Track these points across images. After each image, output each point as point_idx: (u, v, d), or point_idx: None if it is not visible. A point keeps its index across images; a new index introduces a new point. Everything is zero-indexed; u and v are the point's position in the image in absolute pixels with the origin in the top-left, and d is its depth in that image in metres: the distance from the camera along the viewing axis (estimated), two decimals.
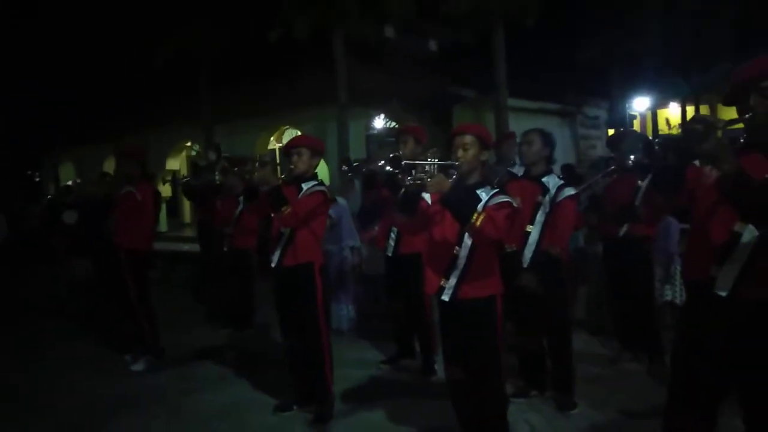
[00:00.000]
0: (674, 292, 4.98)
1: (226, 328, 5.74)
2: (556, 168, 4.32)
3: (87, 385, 4.42)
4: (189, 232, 16.05)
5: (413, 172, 2.69)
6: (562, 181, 3.65)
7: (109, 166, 19.72)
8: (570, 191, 3.59)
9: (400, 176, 2.75)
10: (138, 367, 4.74)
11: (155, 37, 13.97)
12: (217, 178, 5.78)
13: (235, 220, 5.52)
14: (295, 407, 3.72)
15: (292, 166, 3.69)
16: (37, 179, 23.40)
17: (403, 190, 2.79)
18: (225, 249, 5.70)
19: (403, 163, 2.77)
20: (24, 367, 4.98)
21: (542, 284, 3.47)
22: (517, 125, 8.21)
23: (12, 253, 9.85)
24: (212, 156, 6.23)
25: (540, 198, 3.56)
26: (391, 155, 2.87)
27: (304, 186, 3.64)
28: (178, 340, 5.30)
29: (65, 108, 19.22)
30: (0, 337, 6.08)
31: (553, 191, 3.55)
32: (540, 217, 3.55)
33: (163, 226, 16.05)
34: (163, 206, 12.77)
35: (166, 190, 12.81)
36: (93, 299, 7.21)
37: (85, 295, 7.75)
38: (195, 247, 10.28)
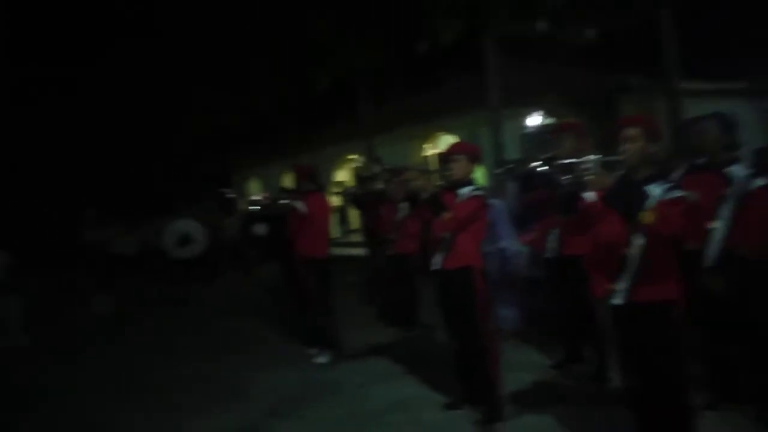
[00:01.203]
0: None
1: (393, 326, 6.08)
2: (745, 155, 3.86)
3: (277, 376, 5.03)
4: (357, 238, 17.12)
5: (573, 170, 2.66)
6: (752, 170, 3.28)
7: (287, 180, 21.88)
8: (763, 181, 3.22)
9: (557, 176, 2.73)
10: (321, 359, 5.25)
11: (315, 67, 15.24)
12: (379, 187, 6.19)
13: (397, 225, 5.85)
14: (465, 406, 3.84)
15: (449, 173, 3.84)
16: (229, 196, 26.74)
17: (562, 189, 2.76)
18: (388, 253, 6.07)
19: (559, 162, 2.75)
20: (224, 360, 5.78)
21: (732, 286, 3.15)
22: (695, 111, 7.42)
23: (212, 262, 11.43)
24: (376, 168, 6.66)
25: (725, 190, 3.25)
26: (546, 155, 2.87)
27: (462, 192, 3.76)
28: (353, 337, 5.74)
29: (250, 133, 21.76)
30: (202, 336, 7.12)
31: (740, 182, 3.22)
32: (725, 211, 3.24)
33: (334, 232, 17.39)
34: (335, 215, 13.84)
35: (335, 200, 13.82)
36: (281, 300, 8.13)
37: (274, 297, 8.76)
38: (363, 252, 11.01)
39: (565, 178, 2.66)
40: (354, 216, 19.49)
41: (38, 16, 22.60)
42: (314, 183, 5.65)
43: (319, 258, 5.34)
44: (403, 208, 5.84)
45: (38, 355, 6.74)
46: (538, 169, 3.40)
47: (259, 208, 7.41)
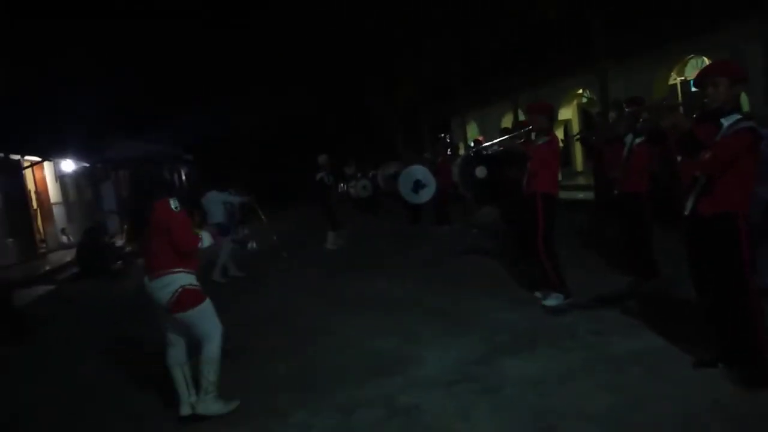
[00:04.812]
0: None
1: (631, 275, 5.64)
2: None
3: (505, 316, 5.09)
4: (582, 180, 16.13)
5: None
6: None
7: (507, 121, 21.43)
8: None
9: None
10: (550, 302, 5.17)
11: None
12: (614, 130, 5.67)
13: (624, 162, 5.32)
14: (720, 365, 3.43)
15: (707, 100, 3.30)
16: (448, 140, 27.35)
17: None
18: (615, 193, 5.56)
19: None
20: (454, 296, 6.05)
21: None
22: None
23: (434, 204, 11.96)
24: (613, 115, 6.10)
25: None
26: None
27: (725, 122, 3.21)
28: (583, 283, 5.50)
29: (470, 76, 21.69)
30: (433, 271, 7.56)
31: None
32: None
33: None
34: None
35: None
36: (498, 241, 8.18)
37: (491, 238, 8.86)
38: (589, 195, 10.38)
39: None
40: (579, 157, 18.37)
41: None
42: (551, 120, 5.51)
43: (553, 195, 5.24)
44: (629, 141, 5.30)
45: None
46: None
47: (483, 149, 7.40)
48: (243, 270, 8.87)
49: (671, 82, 14.83)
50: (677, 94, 14.31)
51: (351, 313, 5.93)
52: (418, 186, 11.35)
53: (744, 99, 10.93)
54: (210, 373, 3.67)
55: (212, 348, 3.66)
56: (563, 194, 11.69)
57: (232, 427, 3.61)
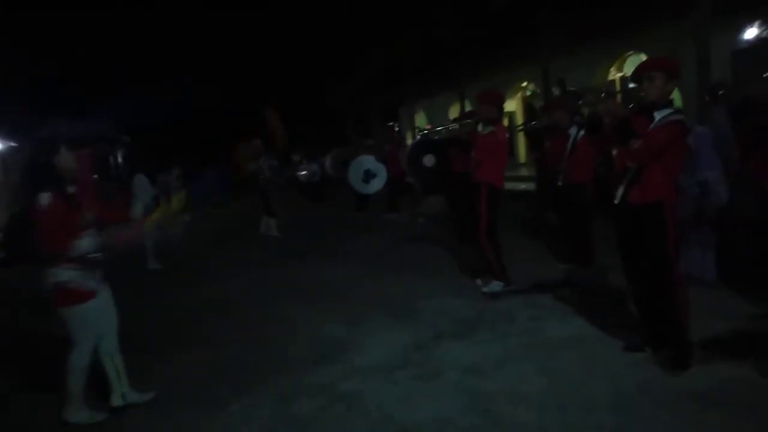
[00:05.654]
0: None
1: (566, 263, 5.83)
2: None
3: (446, 302, 5.18)
4: (525, 172, 16.54)
5: None
6: None
7: (454, 111, 21.66)
8: None
9: None
10: (490, 289, 5.27)
11: None
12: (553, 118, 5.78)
13: (568, 154, 5.47)
14: (646, 348, 3.60)
15: (643, 94, 3.41)
16: (397, 128, 27.42)
17: None
18: (559, 184, 5.72)
19: None
20: (396, 283, 6.09)
21: None
22: None
23: (385, 192, 11.95)
24: (556, 91, 6.22)
25: None
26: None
27: (657, 115, 3.34)
28: (522, 272, 5.64)
29: (413, 66, 21.77)
30: (379, 260, 7.57)
31: None
32: None
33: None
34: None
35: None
36: (447, 231, 8.28)
37: (441, 227, 8.96)
38: (531, 186, 10.64)
39: None
40: (521, 148, 18.84)
41: None
42: (500, 111, 5.49)
43: (498, 186, 5.26)
44: (573, 133, 5.45)
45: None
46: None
47: (429, 136, 7.40)
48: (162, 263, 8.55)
49: (611, 77, 15.37)
50: (616, 87, 14.86)
51: (294, 300, 5.87)
52: (368, 176, 11.31)
53: (677, 95, 11.46)
54: (69, 383, 3.45)
55: (73, 356, 3.43)
56: (507, 185, 12.03)
57: (168, 416, 3.51)
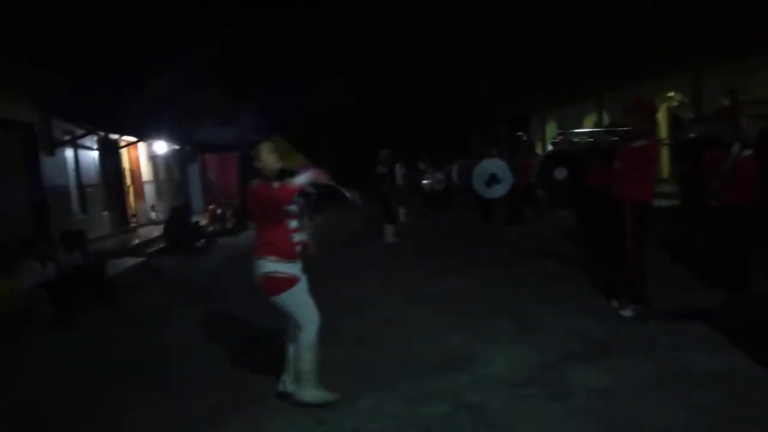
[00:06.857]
0: None
1: (716, 289, 5.32)
2: None
3: (579, 322, 4.95)
4: (667, 188, 15.27)
5: None
6: None
7: (589, 121, 20.68)
8: None
9: None
10: (627, 313, 4.98)
11: None
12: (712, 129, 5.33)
13: (728, 172, 4.97)
14: None
15: None
16: (525, 138, 26.68)
17: None
18: (713, 204, 5.22)
19: None
20: (523, 296, 5.96)
21: None
22: None
23: (508, 203, 11.74)
24: (725, 102, 5.72)
25: None
26: None
27: None
28: (665, 295, 5.26)
29: (546, 74, 21.11)
30: (506, 271, 7.46)
31: None
32: None
33: None
34: None
35: None
36: (573, 245, 7.94)
37: (566, 241, 8.61)
38: (674, 203, 9.83)
39: None
40: (664, 162, 17.38)
41: None
42: (653, 122, 5.17)
43: (646, 203, 4.93)
44: (736, 150, 4.95)
45: None
46: None
47: (561, 145, 7.17)
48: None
49: None
50: None
51: (419, 307, 5.97)
52: (492, 180, 11.20)
53: None
54: (303, 362, 3.64)
55: (302, 337, 3.62)
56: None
57: (297, 405, 3.70)
